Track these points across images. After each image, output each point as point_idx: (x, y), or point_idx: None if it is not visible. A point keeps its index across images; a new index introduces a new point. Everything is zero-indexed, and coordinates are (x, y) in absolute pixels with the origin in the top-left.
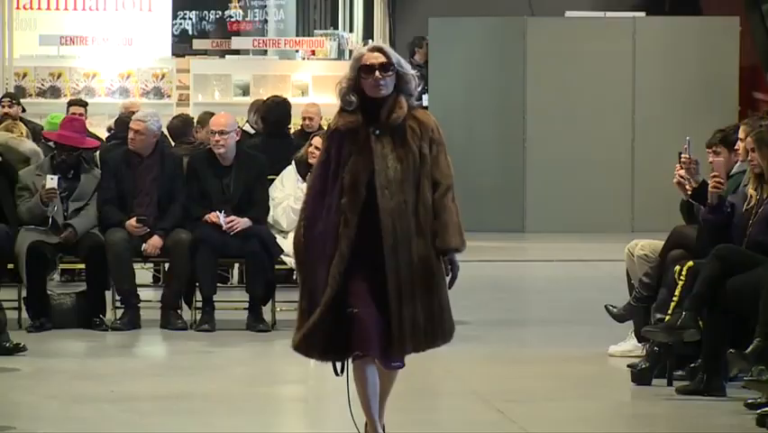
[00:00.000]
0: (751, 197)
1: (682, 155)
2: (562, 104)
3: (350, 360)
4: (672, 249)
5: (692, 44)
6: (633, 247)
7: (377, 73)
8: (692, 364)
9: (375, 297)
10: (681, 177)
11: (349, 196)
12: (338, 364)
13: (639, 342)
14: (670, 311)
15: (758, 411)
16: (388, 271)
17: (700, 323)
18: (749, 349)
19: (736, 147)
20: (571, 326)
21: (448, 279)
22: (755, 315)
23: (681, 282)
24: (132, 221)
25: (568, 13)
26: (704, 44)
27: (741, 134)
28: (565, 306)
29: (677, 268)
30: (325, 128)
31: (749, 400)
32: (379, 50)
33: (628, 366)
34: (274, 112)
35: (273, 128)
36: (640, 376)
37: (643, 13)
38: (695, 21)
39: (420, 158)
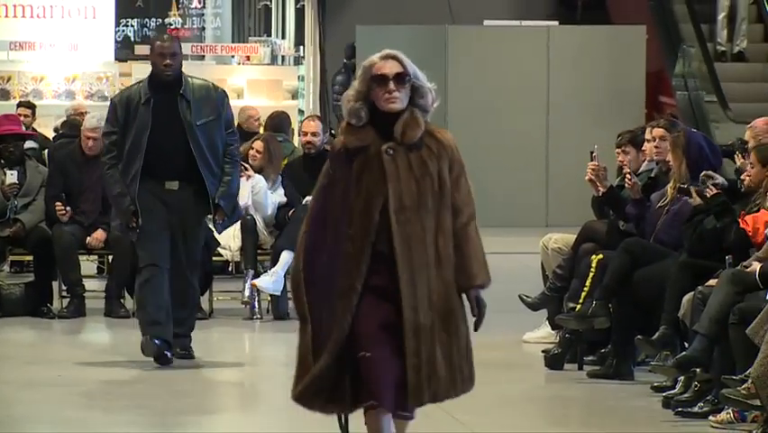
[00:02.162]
0: (667, 195)
1: (590, 163)
2: (481, 107)
3: (353, 409)
4: (583, 242)
5: (602, 51)
6: (547, 241)
7: (390, 84)
8: (602, 350)
9: (389, 338)
10: (592, 179)
11: (360, 222)
12: (343, 416)
13: (553, 329)
14: (581, 301)
15: (664, 394)
16: (404, 308)
17: (610, 311)
18: (656, 336)
19: (643, 147)
20: (488, 314)
21: (473, 319)
22: (661, 304)
23: (591, 274)
24: (59, 204)
25: (486, 22)
26: (613, 51)
27: (648, 135)
28: (486, 296)
29: (591, 258)
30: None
31: (655, 384)
32: (394, 57)
33: (543, 352)
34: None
35: None
36: (553, 361)
37: (556, 23)
38: (605, 29)
39: (439, 181)
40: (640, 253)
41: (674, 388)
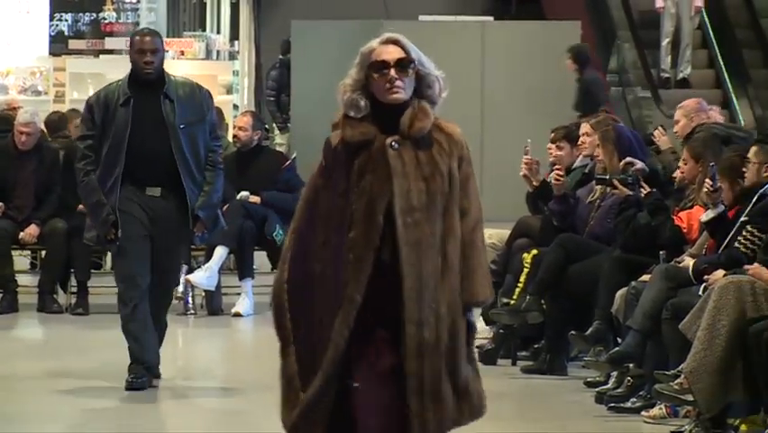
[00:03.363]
0: (596, 190)
1: (524, 157)
2: None
3: None
4: (517, 238)
5: (537, 47)
6: None
7: (392, 71)
8: (536, 345)
9: (387, 359)
10: (527, 175)
11: (362, 226)
12: None
13: (486, 324)
14: (515, 296)
15: (597, 389)
16: (406, 323)
17: (543, 307)
18: (589, 331)
19: (580, 142)
20: None
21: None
22: (594, 299)
23: (525, 269)
24: None
25: (421, 17)
26: (548, 47)
27: (583, 131)
28: None
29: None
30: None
31: (589, 379)
32: (395, 42)
33: (476, 347)
34: None
35: None
36: (487, 356)
37: (491, 18)
38: (539, 25)
39: (449, 180)
40: (574, 249)
41: (607, 383)
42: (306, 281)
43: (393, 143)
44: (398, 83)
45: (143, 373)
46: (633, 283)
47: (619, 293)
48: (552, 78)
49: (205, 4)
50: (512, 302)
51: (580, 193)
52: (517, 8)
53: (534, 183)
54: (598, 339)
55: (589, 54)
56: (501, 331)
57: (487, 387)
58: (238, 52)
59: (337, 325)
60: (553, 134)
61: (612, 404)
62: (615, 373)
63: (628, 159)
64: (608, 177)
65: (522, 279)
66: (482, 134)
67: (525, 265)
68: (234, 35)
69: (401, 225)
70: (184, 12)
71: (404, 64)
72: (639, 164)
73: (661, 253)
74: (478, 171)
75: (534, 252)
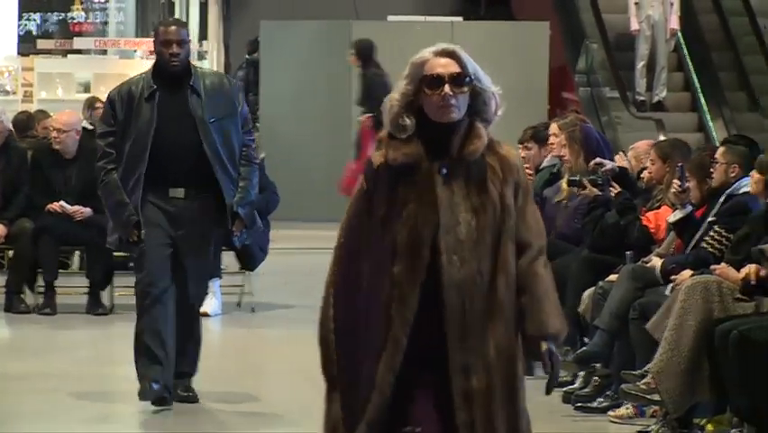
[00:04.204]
0: (563, 190)
1: None
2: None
3: None
4: None
5: (506, 47)
6: None
7: (446, 88)
8: None
9: (439, 408)
10: None
11: (406, 261)
12: None
13: None
14: None
15: (564, 389)
16: (452, 372)
17: None
18: None
19: (550, 142)
20: None
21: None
22: (562, 300)
23: None
24: None
25: (390, 17)
26: (517, 47)
27: (551, 131)
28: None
29: None
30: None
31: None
32: (451, 54)
33: None
34: None
35: None
36: None
37: (460, 18)
38: (508, 25)
39: (502, 209)
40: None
41: (574, 383)
42: (351, 318)
43: (442, 169)
44: (453, 101)
45: (166, 389)
46: (600, 283)
47: (587, 293)
48: (520, 79)
49: (174, 3)
50: None
51: (548, 193)
52: (486, 9)
53: None
54: (565, 339)
55: (374, 50)
56: None
57: None
58: (207, 52)
59: (382, 369)
60: (521, 135)
61: (579, 404)
62: (582, 373)
63: (598, 159)
64: (578, 178)
65: None
66: None
67: None
68: (203, 35)
69: (446, 263)
70: (152, 11)
71: (460, 79)
72: (609, 164)
73: (628, 253)
74: None
75: None
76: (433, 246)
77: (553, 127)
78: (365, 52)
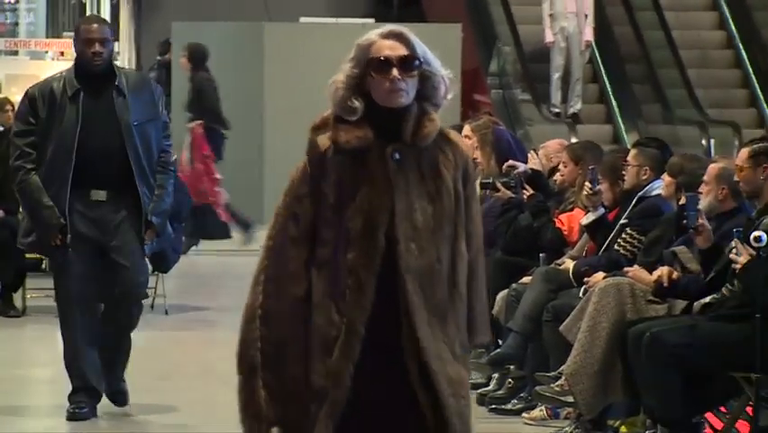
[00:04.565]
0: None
1: None
2: (299, 105)
3: None
4: None
5: None
6: None
7: (394, 71)
8: None
9: (394, 404)
10: None
11: (362, 246)
12: None
13: None
14: None
15: (478, 391)
16: (430, 360)
17: None
18: None
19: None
20: None
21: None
22: None
23: None
24: None
25: (302, 19)
26: (429, 49)
27: (464, 133)
28: None
29: None
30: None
31: (470, 381)
32: (398, 36)
33: None
34: None
35: None
36: None
37: (372, 20)
38: (420, 27)
39: (455, 196)
40: None
41: (488, 385)
42: (287, 307)
43: (395, 154)
44: (402, 84)
45: (86, 402)
46: (513, 285)
47: (500, 295)
48: None
49: (85, 4)
50: None
51: None
52: (398, 11)
53: None
54: None
55: (206, 55)
56: None
57: None
58: (118, 53)
59: (337, 358)
60: None
61: (493, 406)
62: (496, 375)
63: (511, 162)
64: (490, 180)
65: None
66: None
67: None
68: (115, 36)
69: (404, 252)
70: (63, 12)
71: (409, 63)
72: (522, 167)
73: (541, 255)
74: None
75: None
76: (387, 233)
77: (466, 129)
78: (197, 56)
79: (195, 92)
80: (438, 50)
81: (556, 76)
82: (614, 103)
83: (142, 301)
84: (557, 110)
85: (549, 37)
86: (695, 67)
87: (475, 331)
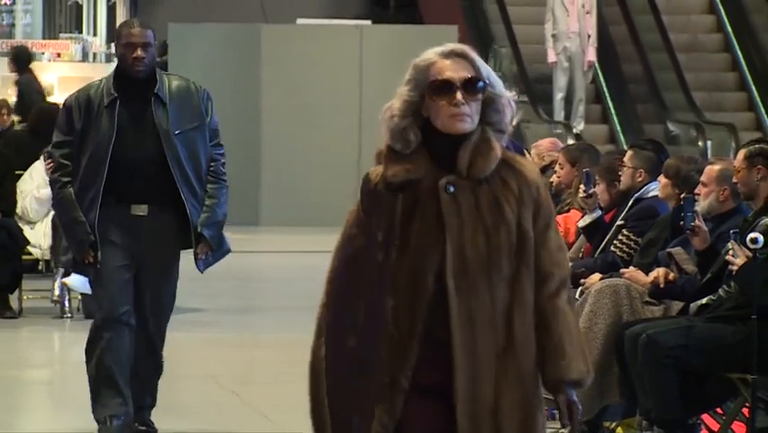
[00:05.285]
0: None
1: None
2: (295, 106)
3: None
4: None
5: (415, 50)
6: None
7: (458, 95)
8: None
9: None
10: None
11: (407, 291)
12: None
13: None
14: None
15: None
16: (458, 417)
17: None
18: None
19: None
20: (304, 312)
21: (566, 431)
22: None
23: None
24: None
25: (299, 21)
26: (425, 50)
27: None
28: (299, 294)
29: None
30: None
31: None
32: (460, 55)
33: None
34: (45, 118)
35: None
36: None
37: (368, 22)
38: (417, 29)
39: (518, 233)
40: None
41: None
42: (346, 361)
43: (448, 186)
44: (465, 108)
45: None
46: None
47: None
48: None
49: (82, 6)
50: None
51: None
52: (394, 12)
53: None
54: None
55: (30, 57)
56: None
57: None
58: (115, 55)
59: (380, 415)
60: None
61: None
62: None
63: None
64: None
65: None
66: (360, 138)
67: None
68: (111, 37)
69: (453, 292)
70: (60, 14)
71: (473, 85)
72: None
73: None
74: (356, 177)
75: None
76: (438, 275)
77: None
78: (21, 59)
79: (20, 94)
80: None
81: (559, 96)
82: (617, 123)
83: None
84: (560, 131)
85: (552, 57)
86: (692, 70)
87: (567, 367)
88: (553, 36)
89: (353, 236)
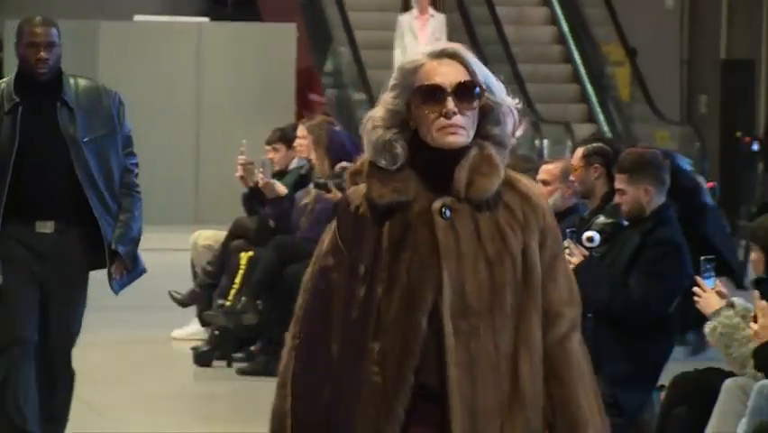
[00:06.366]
0: (311, 193)
1: (239, 158)
2: (133, 103)
3: None
4: (233, 239)
5: (253, 49)
6: (197, 237)
7: (449, 103)
8: (252, 347)
9: None
10: (243, 176)
11: (395, 333)
12: None
13: (202, 326)
14: (230, 297)
15: None
16: None
17: (259, 308)
18: None
19: (298, 144)
20: (138, 311)
21: None
22: None
23: (241, 270)
24: None
25: (137, 17)
26: (264, 49)
27: (299, 133)
28: (132, 293)
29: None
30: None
31: None
32: (453, 56)
33: (192, 349)
34: None
35: None
36: (202, 358)
37: (207, 19)
38: (256, 27)
39: (524, 264)
40: (289, 250)
41: None
42: (318, 417)
43: (444, 210)
44: (459, 119)
45: None
46: None
47: None
48: (268, 80)
49: None
50: (228, 303)
51: (298, 195)
52: (233, 9)
53: (250, 184)
54: None
55: None
56: (217, 332)
57: (202, 389)
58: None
59: None
60: (269, 136)
61: None
62: None
63: (343, 163)
64: (323, 181)
65: (238, 280)
66: (198, 135)
67: (241, 266)
68: None
69: (450, 335)
70: None
71: (467, 91)
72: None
73: None
74: (194, 174)
75: (250, 253)
76: (433, 314)
77: (301, 129)
78: None
79: None
80: (273, 48)
81: None
82: None
83: None
84: None
85: None
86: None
87: (581, 422)
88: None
89: (328, 268)
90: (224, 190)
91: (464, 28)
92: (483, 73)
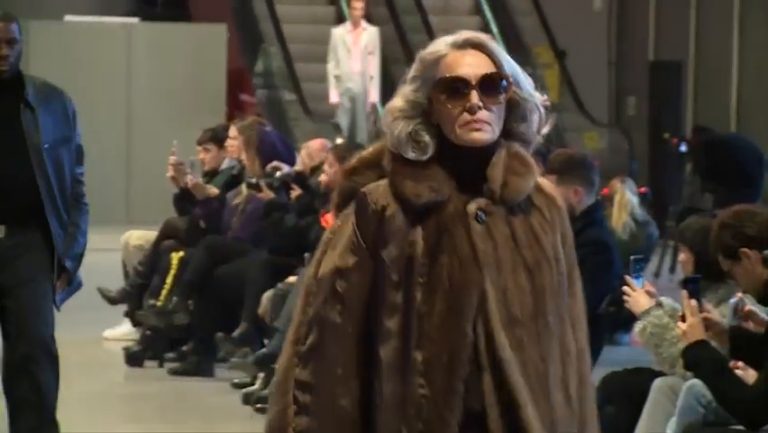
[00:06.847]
0: (242, 193)
1: (170, 158)
2: None
3: None
4: (164, 239)
5: (183, 49)
6: (128, 237)
7: (474, 96)
8: (183, 347)
9: None
10: (174, 176)
11: (441, 342)
12: None
13: (133, 326)
14: (162, 297)
15: (243, 390)
16: None
17: (190, 308)
18: (236, 333)
19: (229, 144)
20: (69, 311)
21: None
22: (242, 301)
23: (172, 270)
24: None
25: (67, 17)
26: (194, 49)
27: (230, 134)
28: None
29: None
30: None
31: (236, 381)
32: (478, 46)
33: (123, 349)
34: None
35: None
36: (133, 358)
37: (137, 19)
38: (186, 27)
39: (557, 268)
40: (220, 251)
41: (254, 384)
42: (331, 427)
43: (479, 214)
44: (483, 114)
45: None
46: (279, 285)
47: (266, 295)
48: (199, 80)
49: None
50: (159, 303)
51: (229, 196)
52: (163, 9)
53: (181, 185)
54: (244, 341)
55: None
56: (148, 333)
57: (133, 389)
58: None
59: None
60: (200, 136)
61: (258, 405)
62: (261, 374)
63: (275, 163)
64: (255, 181)
65: (169, 280)
66: (129, 136)
67: (172, 267)
68: None
69: (501, 346)
70: None
71: (494, 84)
72: (285, 168)
73: (306, 255)
74: (125, 174)
75: (181, 253)
76: (475, 323)
77: (232, 130)
78: None
79: None
80: (203, 49)
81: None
82: None
83: None
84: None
85: (334, 98)
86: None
87: (587, 424)
88: (336, 77)
89: (348, 269)
90: (154, 191)
91: (398, 39)
92: (510, 65)
